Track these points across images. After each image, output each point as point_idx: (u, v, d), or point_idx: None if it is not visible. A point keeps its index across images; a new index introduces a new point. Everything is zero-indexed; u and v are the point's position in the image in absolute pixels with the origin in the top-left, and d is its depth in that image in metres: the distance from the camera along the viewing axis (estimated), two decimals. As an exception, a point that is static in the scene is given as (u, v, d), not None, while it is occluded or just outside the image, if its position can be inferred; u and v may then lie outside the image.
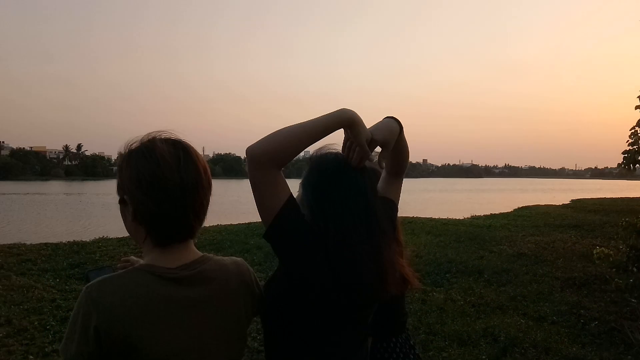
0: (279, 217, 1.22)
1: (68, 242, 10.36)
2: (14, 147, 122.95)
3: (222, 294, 1.19)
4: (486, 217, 17.29)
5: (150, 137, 1.16)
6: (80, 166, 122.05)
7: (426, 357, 4.15)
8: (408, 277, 1.83)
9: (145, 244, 1.15)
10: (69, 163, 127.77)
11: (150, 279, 1.10)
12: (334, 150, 1.37)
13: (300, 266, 1.25)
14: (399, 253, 1.85)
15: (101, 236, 11.44)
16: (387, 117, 1.40)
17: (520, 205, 22.96)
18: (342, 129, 1.28)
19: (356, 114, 1.25)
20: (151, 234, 1.13)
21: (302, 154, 1.29)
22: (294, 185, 1.37)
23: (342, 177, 1.31)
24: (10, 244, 9.93)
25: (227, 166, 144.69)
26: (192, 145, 1.19)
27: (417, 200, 36.14)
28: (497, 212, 19.03)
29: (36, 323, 4.94)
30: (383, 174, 1.58)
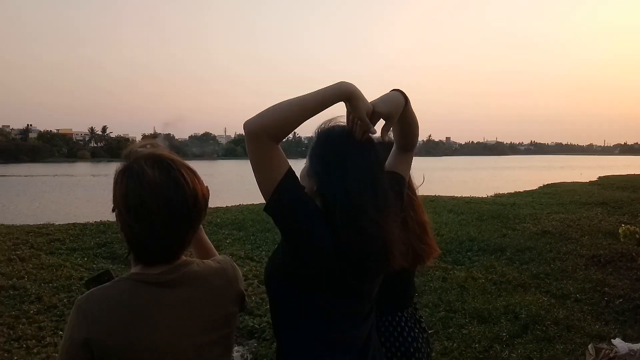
0: (278, 189, 1.22)
1: (95, 222, 10.62)
2: (42, 130, 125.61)
3: (207, 292, 1.22)
4: (510, 195, 17.05)
5: (144, 156, 1.15)
6: (105, 148, 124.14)
7: (446, 334, 4.16)
8: (420, 253, 1.83)
9: (131, 255, 1.18)
10: (95, 145, 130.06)
11: (136, 285, 1.13)
12: (341, 123, 1.35)
13: (301, 238, 1.25)
14: (420, 229, 1.86)
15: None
16: (393, 89, 1.37)
17: (546, 183, 22.53)
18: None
19: (354, 86, 1.24)
20: (135, 253, 1.16)
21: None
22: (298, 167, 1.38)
23: (347, 150, 1.30)
24: (40, 224, 10.24)
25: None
26: (184, 166, 1.18)
27: (439, 178, 35.83)
28: (521, 190, 18.73)
29: (65, 300, 5.12)
30: (393, 148, 1.56)
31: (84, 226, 10.06)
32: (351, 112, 1.27)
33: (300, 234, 1.25)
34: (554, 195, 15.96)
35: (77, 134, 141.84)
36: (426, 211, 1.94)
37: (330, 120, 1.37)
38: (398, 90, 1.37)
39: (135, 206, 1.10)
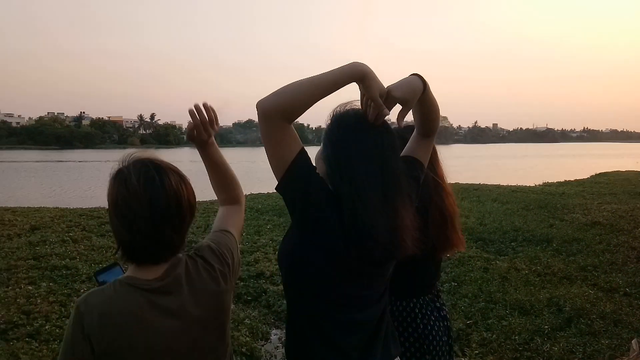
0: (290, 169, 1.23)
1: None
2: (94, 118, 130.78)
3: (200, 290, 1.24)
4: (559, 184, 16.50)
5: (133, 160, 1.20)
6: (154, 135, 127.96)
7: (485, 325, 4.09)
8: (434, 243, 1.81)
9: (119, 254, 1.22)
10: (144, 132, 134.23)
11: (131, 290, 1.17)
12: (356, 107, 1.34)
13: (310, 220, 1.26)
14: (442, 218, 1.83)
15: (173, 201, 12.04)
16: (412, 74, 1.35)
17: (598, 172, 21.59)
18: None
19: (367, 67, 1.22)
20: (125, 255, 1.19)
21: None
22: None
23: (360, 134, 1.29)
24: (92, 207, 10.74)
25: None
26: (170, 170, 1.21)
27: (485, 166, 34.99)
28: (571, 179, 18.07)
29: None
30: (414, 133, 1.54)
31: (133, 210, 10.45)
32: (364, 94, 1.26)
33: (309, 216, 1.26)
34: (606, 184, 15.31)
35: (127, 121, 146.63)
36: (454, 201, 1.91)
37: (346, 104, 1.36)
38: (417, 74, 1.34)
39: (121, 209, 1.15)
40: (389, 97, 1.27)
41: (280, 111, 1.18)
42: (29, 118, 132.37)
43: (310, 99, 1.20)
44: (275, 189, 1.27)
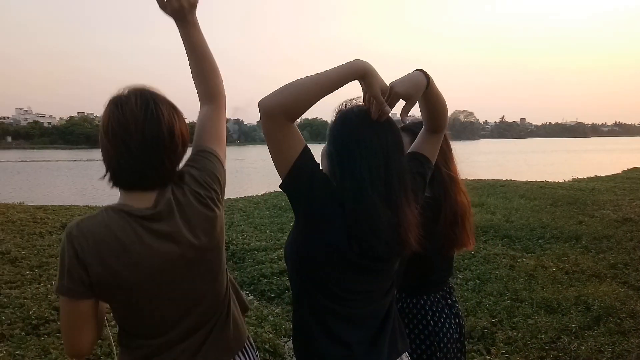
0: (294, 167, 1.24)
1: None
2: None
3: (190, 213, 1.25)
4: (589, 179, 16.07)
5: (129, 89, 1.23)
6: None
7: (510, 323, 4.03)
8: (443, 241, 1.79)
9: (107, 178, 1.24)
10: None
11: (121, 216, 1.18)
12: (361, 103, 1.34)
13: (313, 216, 1.27)
14: (453, 215, 1.81)
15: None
16: (416, 69, 1.35)
17: (631, 167, 20.97)
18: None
19: (368, 64, 1.22)
20: (114, 179, 1.22)
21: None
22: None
23: (363, 130, 1.29)
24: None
25: (314, 131, 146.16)
26: (165, 102, 1.24)
27: (512, 162, 34.40)
28: (602, 174, 17.58)
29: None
30: (422, 130, 1.54)
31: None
32: (366, 91, 1.26)
33: (313, 212, 1.27)
34: (639, 180, 14.86)
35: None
36: (467, 199, 1.89)
37: (351, 100, 1.37)
38: (420, 70, 1.34)
39: (116, 131, 1.18)
40: (392, 93, 1.27)
41: (283, 110, 1.19)
42: (60, 118, 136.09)
43: (312, 98, 1.20)
44: (280, 186, 1.29)
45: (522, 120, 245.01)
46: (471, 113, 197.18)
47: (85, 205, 11.70)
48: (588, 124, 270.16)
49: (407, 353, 1.49)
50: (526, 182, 13.97)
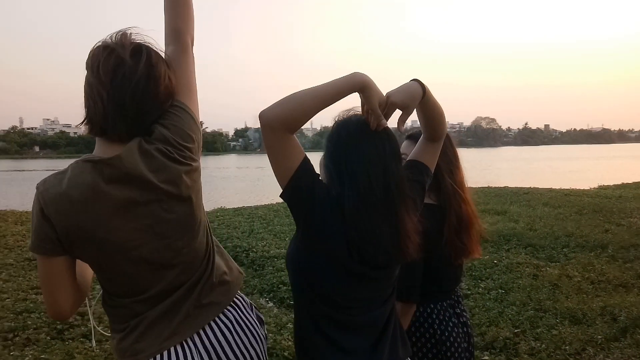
0: (294, 177, 1.26)
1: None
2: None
3: (157, 162, 1.22)
4: (616, 186, 15.74)
5: (123, 36, 1.23)
6: (202, 142, 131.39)
7: (533, 334, 3.95)
8: (449, 249, 1.79)
9: (86, 127, 1.24)
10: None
11: (87, 166, 1.16)
12: (359, 113, 1.36)
13: (313, 225, 1.29)
14: (459, 224, 1.80)
15: (219, 206, 12.40)
16: (412, 79, 1.37)
17: (660, 174, 20.44)
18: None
19: (367, 77, 1.25)
20: (88, 122, 1.21)
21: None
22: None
23: (361, 140, 1.31)
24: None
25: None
26: (156, 52, 1.25)
27: (536, 169, 33.85)
28: (629, 182, 17.17)
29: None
30: (421, 138, 1.56)
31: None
32: (364, 103, 1.29)
33: (313, 220, 1.29)
34: (669, 187, 14.47)
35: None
36: (473, 207, 1.89)
37: (349, 110, 1.39)
38: (416, 80, 1.36)
39: (97, 69, 1.17)
40: (388, 102, 1.30)
41: (283, 122, 1.22)
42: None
43: (312, 110, 1.23)
44: (280, 196, 1.31)
45: (546, 126, 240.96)
46: (493, 120, 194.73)
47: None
48: (614, 130, 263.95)
49: (409, 359, 1.49)
50: (550, 190, 13.74)
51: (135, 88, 1.19)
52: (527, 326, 4.11)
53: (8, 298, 4.78)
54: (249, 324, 1.44)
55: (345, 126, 1.36)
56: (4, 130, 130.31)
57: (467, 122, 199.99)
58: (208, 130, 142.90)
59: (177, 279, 1.31)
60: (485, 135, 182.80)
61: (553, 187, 14.55)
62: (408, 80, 1.37)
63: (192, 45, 1.41)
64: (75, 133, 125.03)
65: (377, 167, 1.30)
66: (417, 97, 1.34)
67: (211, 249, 1.42)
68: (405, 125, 1.39)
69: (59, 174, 1.19)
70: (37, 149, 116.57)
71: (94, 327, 1.61)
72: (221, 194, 20.84)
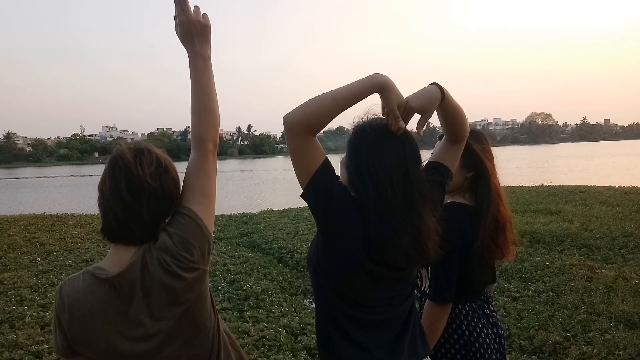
0: (314, 178, 1.29)
1: (239, 213, 11.66)
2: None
3: (163, 288, 1.23)
4: (682, 184, 14.79)
5: (126, 148, 1.27)
6: (250, 145, 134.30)
7: (585, 338, 3.80)
8: (482, 250, 1.75)
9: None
10: (241, 143, 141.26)
11: (95, 282, 1.21)
12: (378, 115, 1.38)
13: (333, 225, 1.31)
14: (495, 225, 1.77)
15: (266, 208, 12.66)
16: (431, 83, 1.37)
17: None
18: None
19: (387, 78, 1.26)
20: (102, 229, 1.26)
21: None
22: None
23: (382, 143, 1.33)
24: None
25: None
26: (166, 159, 1.29)
27: (594, 166, 32.29)
28: (698, 178, 16.11)
29: (210, 284, 5.68)
30: (442, 139, 1.56)
31: (230, 217, 11.11)
32: (384, 104, 1.30)
33: (332, 221, 1.31)
34: None
35: (226, 134, 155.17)
36: (508, 210, 1.87)
37: (368, 112, 1.41)
38: (435, 84, 1.36)
39: (105, 187, 1.23)
40: (407, 107, 1.31)
41: (305, 125, 1.25)
42: (142, 134, 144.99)
43: (333, 113, 1.26)
44: (301, 196, 1.35)
45: (606, 121, 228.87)
46: (549, 115, 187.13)
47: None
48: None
49: (428, 358, 1.49)
50: (609, 188, 13.08)
51: (149, 197, 1.23)
52: (578, 330, 3.96)
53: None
54: None
55: (366, 129, 1.38)
56: (66, 137, 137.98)
57: (521, 119, 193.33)
58: (256, 133, 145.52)
59: None
60: (540, 131, 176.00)
61: (612, 185, 13.86)
62: (427, 85, 1.38)
63: (216, 149, 1.41)
64: (132, 139, 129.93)
65: (398, 169, 1.31)
66: (436, 101, 1.35)
67: (217, 345, 1.39)
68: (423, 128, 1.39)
69: (73, 281, 1.23)
70: (96, 154, 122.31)
71: None
72: (269, 195, 21.21)
